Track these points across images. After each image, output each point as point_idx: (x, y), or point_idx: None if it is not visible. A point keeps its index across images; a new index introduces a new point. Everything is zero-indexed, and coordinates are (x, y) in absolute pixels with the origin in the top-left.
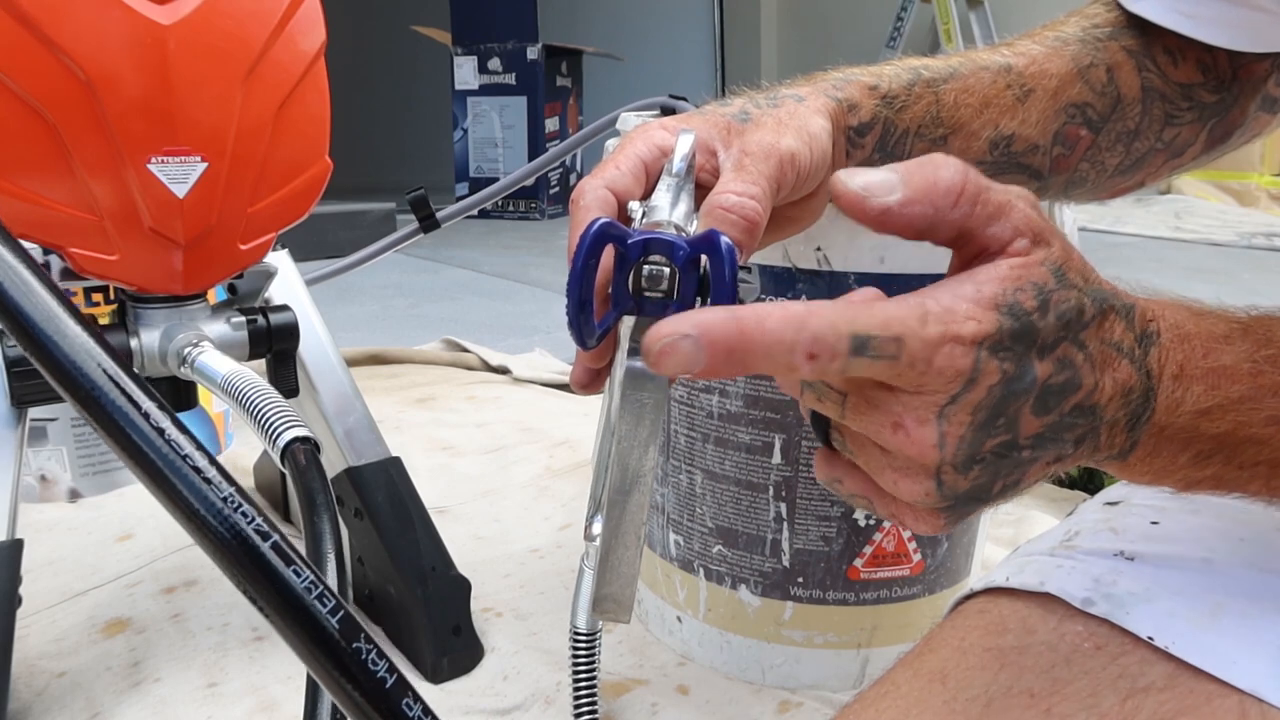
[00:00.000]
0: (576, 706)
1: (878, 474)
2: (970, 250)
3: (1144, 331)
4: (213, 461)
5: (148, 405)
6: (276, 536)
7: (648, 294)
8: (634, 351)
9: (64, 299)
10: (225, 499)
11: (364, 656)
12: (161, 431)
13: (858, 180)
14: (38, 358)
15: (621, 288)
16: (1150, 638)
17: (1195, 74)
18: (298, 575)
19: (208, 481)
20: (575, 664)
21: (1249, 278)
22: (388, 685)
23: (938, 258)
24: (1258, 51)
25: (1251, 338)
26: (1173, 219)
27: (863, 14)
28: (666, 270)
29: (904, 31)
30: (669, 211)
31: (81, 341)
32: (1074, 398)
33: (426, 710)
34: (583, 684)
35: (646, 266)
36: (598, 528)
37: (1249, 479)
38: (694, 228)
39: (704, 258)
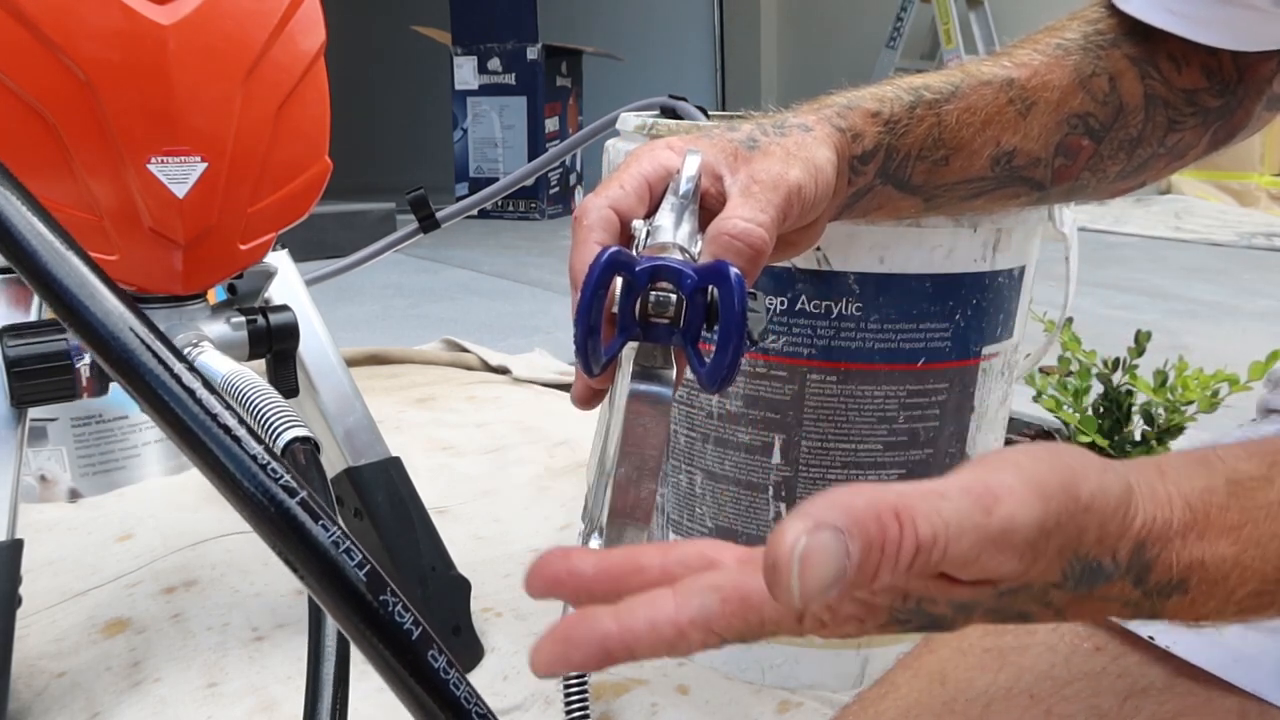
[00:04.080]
0: (567, 701)
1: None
2: None
3: (1162, 584)
4: (243, 422)
5: (179, 368)
6: (304, 494)
7: (654, 320)
8: (638, 375)
9: (96, 267)
10: (254, 457)
11: (390, 609)
12: (192, 393)
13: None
14: (72, 323)
15: (628, 314)
16: (1151, 638)
17: (1199, 79)
18: (325, 530)
19: (237, 440)
20: None
21: (1249, 278)
22: (414, 637)
23: (937, 258)
24: (1249, 50)
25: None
26: (1173, 219)
27: (863, 14)
28: (673, 298)
29: (904, 31)
30: (673, 233)
31: (114, 305)
32: (1023, 623)
33: (451, 663)
34: (573, 679)
35: (653, 293)
36: (594, 545)
37: None
38: (698, 250)
39: (711, 287)
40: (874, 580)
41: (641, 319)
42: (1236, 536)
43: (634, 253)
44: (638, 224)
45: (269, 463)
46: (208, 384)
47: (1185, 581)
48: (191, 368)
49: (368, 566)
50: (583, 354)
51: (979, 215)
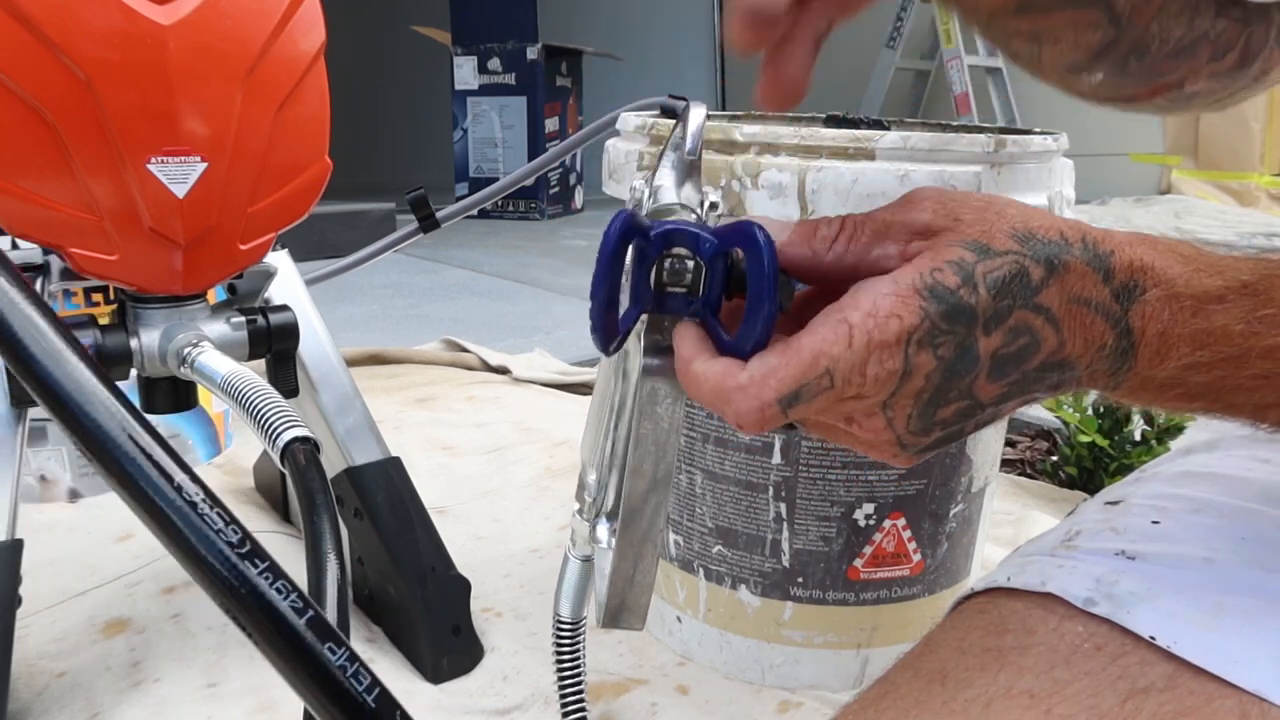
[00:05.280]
0: (562, 696)
1: (844, 443)
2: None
3: (1125, 285)
4: (242, 531)
5: (180, 478)
6: (312, 612)
7: (670, 289)
8: (650, 349)
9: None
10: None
11: None
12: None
13: (755, 216)
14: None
15: (642, 283)
16: (1152, 637)
17: None
18: (333, 654)
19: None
20: (559, 654)
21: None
22: None
23: None
24: None
25: (1250, 296)
26: (1173, 219)
27: (863, 14)
28: (690, 264)
29: (904, 32)
30: (675, 192)
31: (114, 410)
32: (1036, 358)
33: None
34: (568, 674)
35: (668, 260)
36: (602, 532)
37: (1235, 413)
38: (705, 213)
39: (733, 252)
40: None
41: (656, 288)
42: (1185, 257)
43: (636, 211)
44: (637, 184)
45: (273, 576)
46: (209, 495)
47: (1141, 284)
48: (195, 479)
49: (378, 690)
50: (600, 331)
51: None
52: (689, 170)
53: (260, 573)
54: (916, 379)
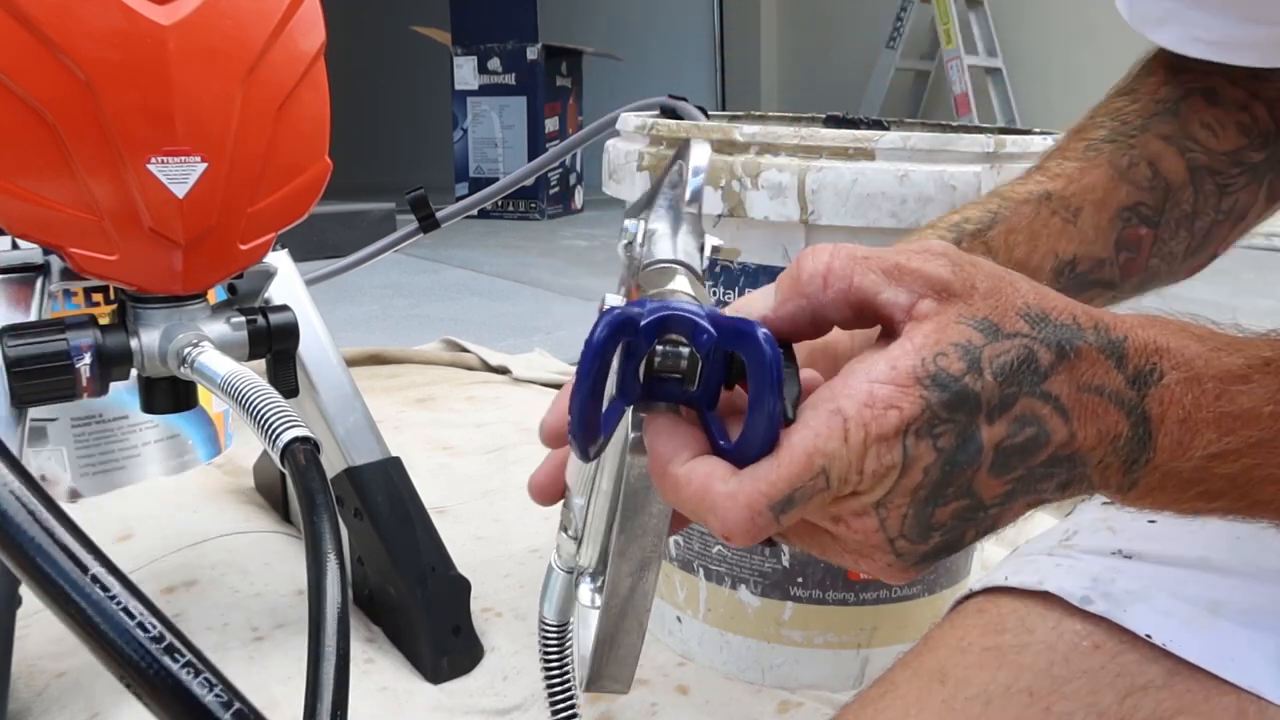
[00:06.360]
0: (551, 698)
1: (832, 557)
2: (879, 322)
3: (1140, 371)
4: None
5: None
6: (239, 705)
7: (662, 376)
8: (640, 443)
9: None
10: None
11: None
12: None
13: (739, 305)
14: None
15: (630, 376)
16: (1149, 636)
17: (1238, 139)
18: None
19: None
20: (546, 656)
21: (1249, 278)
22: None
23: None
24: None
25: (1275, 375)
26: None
27: (863, 14)
28: (685, 351)
29: (904, 32)
30: (671, 243)
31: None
32: (1043, 453)
33: None
34: (555, 675)
35: (662, 347)
36: (585, 592)
37: (1260, 511)
38: (702, 266)
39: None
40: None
41: (646, 377)
42: (1200, 337)
43: (628, 256)
44: (630, 224)
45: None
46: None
47: (1159, 368)
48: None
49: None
50: (580, 436)
51: None
52: (685, 217)
53: (183, 666)
54: (914, 473)
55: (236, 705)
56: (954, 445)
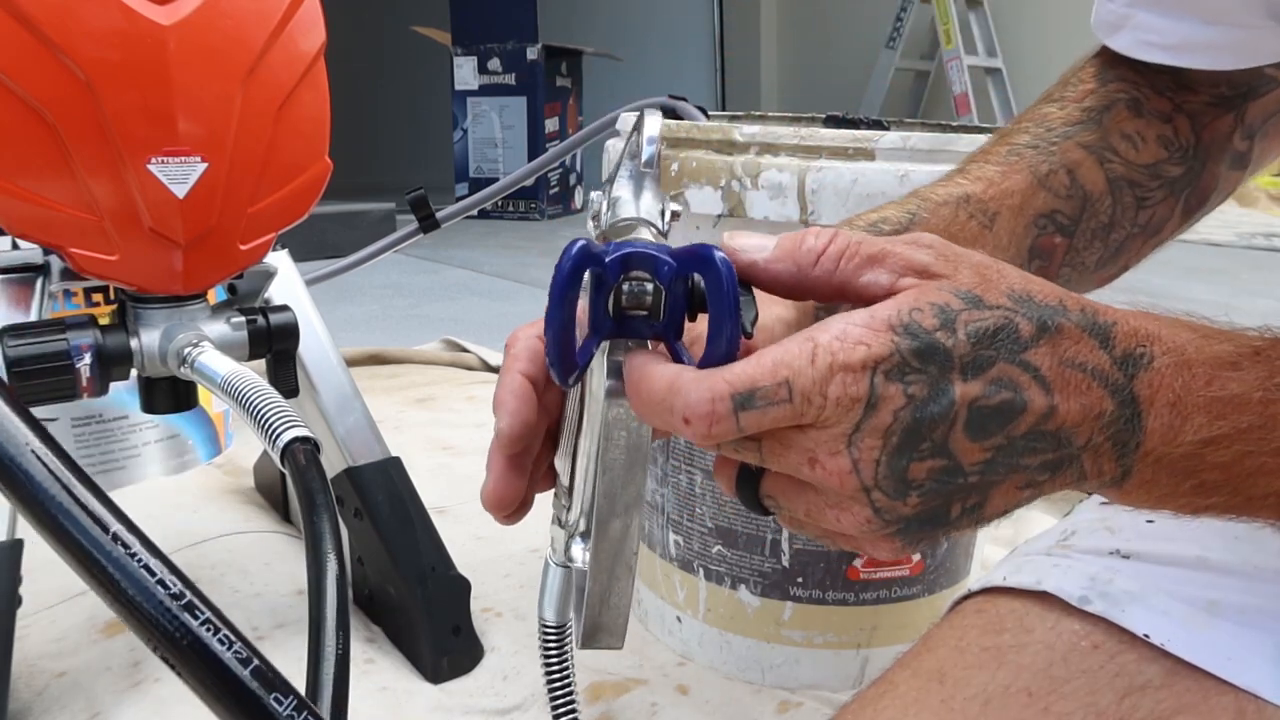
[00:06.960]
0: (553, 698)
1: (819, 517)
2: (863, 304)
3: (1130, 354)
4: (182, 581)
5: (116, 527)
6: (257, 662)
7: (630, 313)
8: (614, 372)
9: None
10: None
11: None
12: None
13: (739, 240)
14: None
15: (601, 311)
16: (1147, 635)
17: (1159, 151)
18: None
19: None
20: (546, 657)
21: (1249, 278)
22: None
23: None
24: (1245, 68)
25: (1264, 363)
26: None
27: (862, 14)
28: (650, 287)
29: (903, 32)
30: (634, 205)
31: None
32: (1022, 421)
33: None
34: (556, 676)
35: (627, 284)
36: (577, 551)
37: (1258, 508)
38: (664, 225)
39: (694, 276)
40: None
41: (615, 314)
42: (1191, 326)
43: (596, 225)
44: (595, 195)
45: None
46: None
47: (1149, 351)
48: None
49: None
50: (558, 364)
51: None
52: (646, 181)
53: (202, 623)
54: (884, 413)
55: (256, 663)
56: (926, 395)
